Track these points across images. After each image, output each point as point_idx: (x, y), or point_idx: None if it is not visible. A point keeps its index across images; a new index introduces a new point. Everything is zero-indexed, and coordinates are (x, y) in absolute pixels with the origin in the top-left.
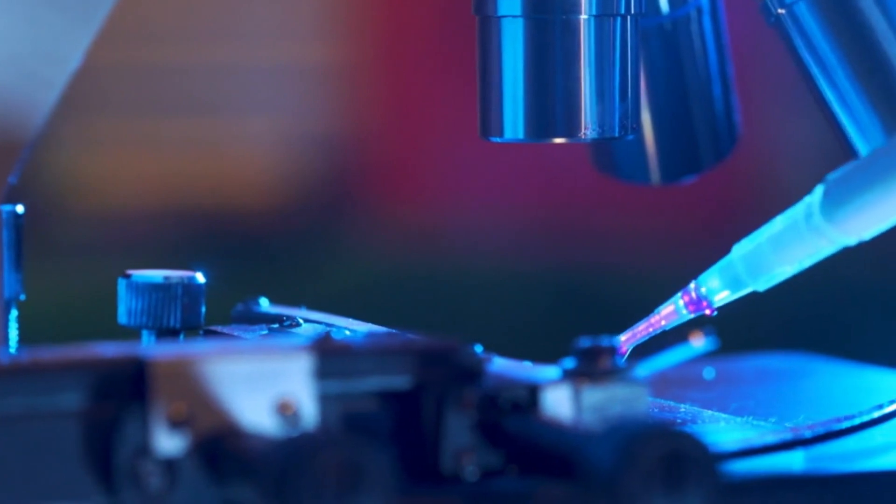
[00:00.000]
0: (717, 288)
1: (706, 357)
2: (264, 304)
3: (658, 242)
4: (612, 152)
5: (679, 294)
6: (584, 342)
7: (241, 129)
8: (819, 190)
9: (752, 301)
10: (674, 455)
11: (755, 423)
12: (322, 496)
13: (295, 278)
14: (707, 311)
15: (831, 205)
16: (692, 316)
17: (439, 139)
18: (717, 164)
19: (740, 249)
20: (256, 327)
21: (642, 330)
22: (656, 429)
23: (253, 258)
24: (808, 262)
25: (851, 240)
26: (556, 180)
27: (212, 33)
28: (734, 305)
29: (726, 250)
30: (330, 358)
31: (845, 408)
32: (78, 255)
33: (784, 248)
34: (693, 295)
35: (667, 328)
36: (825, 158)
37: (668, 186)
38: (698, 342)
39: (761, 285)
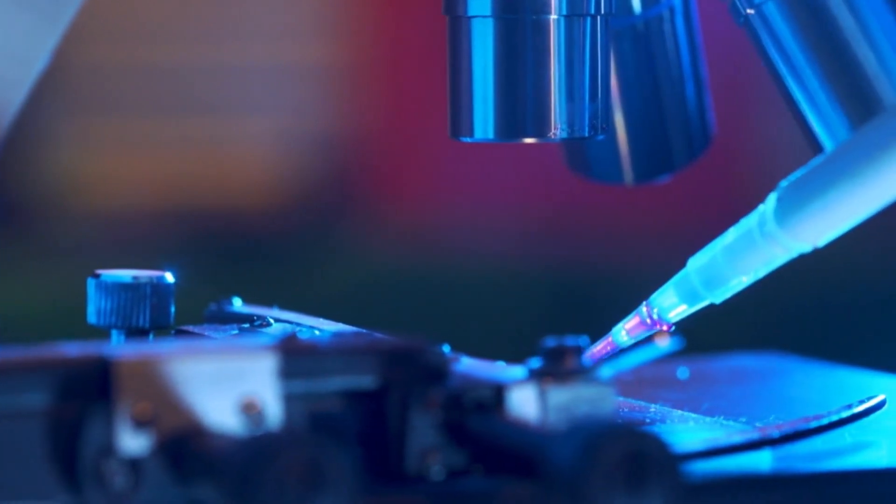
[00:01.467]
0: (673, 303)
1: (680, 357)
2: (237, 303)
3: (657, 243)
4: (585, 152)
5: (630, 315)
6: (550, 342)
7: (241, 129)
8: (772, 197)
9: (726, 302)
10: (635, 455)
11: (725, 422)
12: (285, 496)
13: (294, 278)
14: (663, 329)
15: (784, 212)
16: (648, 333)
17: (438, 139)
18: (691, 164)
19: (695, 262)
20: (227, 327)
21: (600, 350)
22: (618, 429)
23: (252, 258)
24: (763, 272)
25: (806, 247)
26: (554, 181)
27: (212, 33)
28: (709, 305)
29: None
30: (295, 358)
31: (818, 407)
32: (77, 254)
33: (739, 258)
34: (647, 319)
35: (624, 346)
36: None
37: (642, 186)
38: (663, 343)
39: (718, 297)
